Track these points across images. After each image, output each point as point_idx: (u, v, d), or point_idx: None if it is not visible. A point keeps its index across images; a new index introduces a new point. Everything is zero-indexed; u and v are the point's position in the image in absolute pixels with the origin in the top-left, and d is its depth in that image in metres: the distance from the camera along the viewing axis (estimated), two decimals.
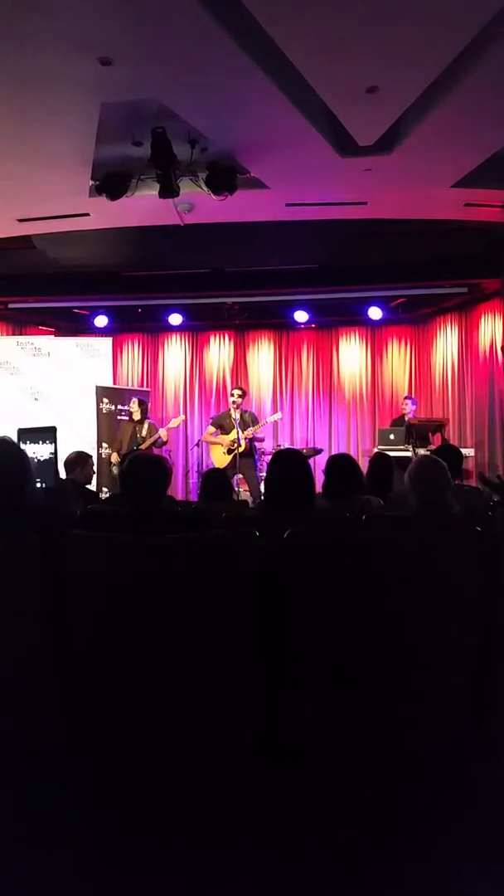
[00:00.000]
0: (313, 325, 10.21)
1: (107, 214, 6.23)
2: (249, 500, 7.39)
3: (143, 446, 7.73)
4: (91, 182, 5.60)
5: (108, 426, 8.84)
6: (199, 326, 10.36)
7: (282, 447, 8.53)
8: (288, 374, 10.54)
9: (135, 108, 4.67)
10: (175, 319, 9.49)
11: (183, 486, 9.79)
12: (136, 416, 8.05)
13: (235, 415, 7.76)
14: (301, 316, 9.33)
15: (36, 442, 5.74)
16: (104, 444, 8.72)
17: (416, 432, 7.55)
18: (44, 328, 9.70)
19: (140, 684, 2.06)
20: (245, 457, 7.79)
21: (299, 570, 2.05)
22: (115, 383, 9.64)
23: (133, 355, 10.70)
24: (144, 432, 7.98)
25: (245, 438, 7.73)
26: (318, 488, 3.52)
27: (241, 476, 7.77)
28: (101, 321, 9.44)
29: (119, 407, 8.93)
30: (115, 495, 6.21)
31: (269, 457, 8.22)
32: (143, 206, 5.79)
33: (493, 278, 7.81)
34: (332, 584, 2.06)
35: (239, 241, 7.31)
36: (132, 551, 2.08)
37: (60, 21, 3.55)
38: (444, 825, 1.96)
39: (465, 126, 4.69)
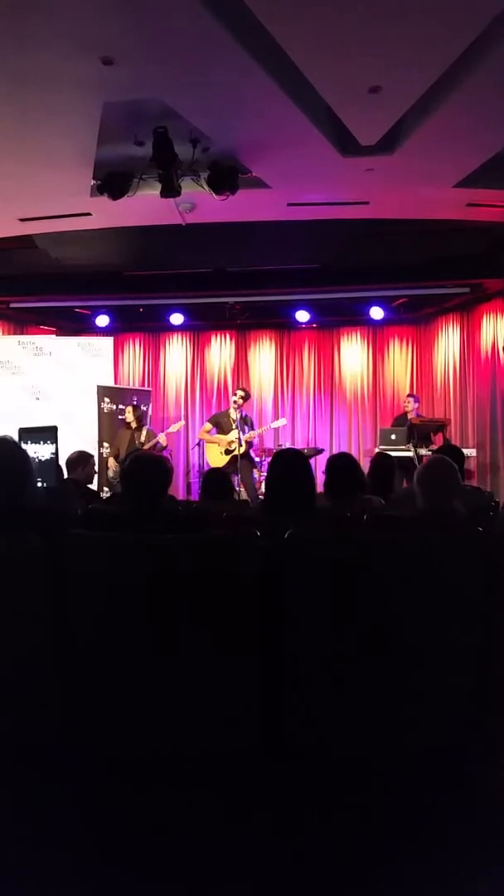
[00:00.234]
0: (315, 325, 10.20)
1: (108, 214, 6.23)
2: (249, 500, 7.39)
3: None
4: (92, 182, 5.60)
5: (109, 426, 8.82)
6: (201, 326, 10.35)
7: (283, 447, 8.54)
8: (289, 374, 10.54)
9: (136, 108, 4.67)
10: (176, 319, 9.48)
11: (184, 486, 9.79)
12: (133, 424, 7.99)
13: (235, 415, 7.75)
14: (302, 316, 9.32)
15: (37, 441, 5.75)
16: (105, 444, 8.71)
17: (417, 432, 7.54)
18: (45, 328, 9.69)
19: (140, 684, 2.06)
20: (243, 458, 7.79)
21: (300, 570, 2.05)
22: (116, 383, 9.63)
23: (134, 355, 10.70)
24: (143, 438, 7.92)
25: (245, 441, 7.72)
26: (320, 488, 3.52)
27: (240, 477, 7.77)
28: (102, 321, 9.43)
29: (120, 406, 8.91)
30: (116, 495, 6.21)
31: (267, 457, 8.26)
32: (145, 205, 5.79)
33: (495, 278, 7.78)
34: (333, 584, 2.06)
35: (240, 241, 7.29)
36: (133, 551, 2.08)
37: (61, 21, 3.54)
38: (444, 825, 1.96)
39: (467, 126, 4.69)
